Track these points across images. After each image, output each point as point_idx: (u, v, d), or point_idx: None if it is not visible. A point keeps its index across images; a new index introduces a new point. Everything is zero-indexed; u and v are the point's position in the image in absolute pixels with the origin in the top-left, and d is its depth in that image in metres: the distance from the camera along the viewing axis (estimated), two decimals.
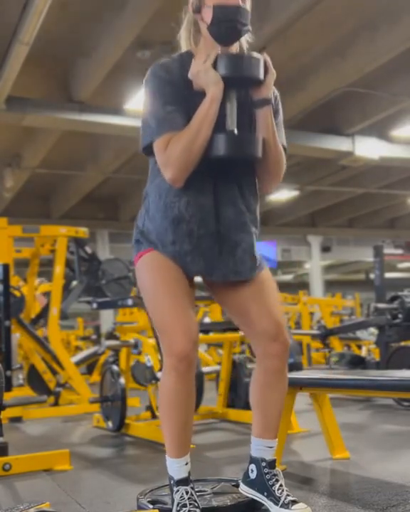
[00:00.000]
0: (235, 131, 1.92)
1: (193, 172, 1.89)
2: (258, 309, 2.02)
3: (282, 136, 2.04)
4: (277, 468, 2.04)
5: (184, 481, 1.93)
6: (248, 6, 1.94)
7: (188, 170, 1.87)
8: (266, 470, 2.02)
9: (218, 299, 2.16)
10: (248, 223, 2.01)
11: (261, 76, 1.90)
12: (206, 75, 1.87)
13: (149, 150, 1.94)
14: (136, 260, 2.04)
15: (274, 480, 2.00)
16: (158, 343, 2.03)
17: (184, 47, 2.03)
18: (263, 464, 2.02)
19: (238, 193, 1.99)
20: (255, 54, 1.92)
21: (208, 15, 1.92)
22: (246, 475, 2.08)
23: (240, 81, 1.93)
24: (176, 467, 1.94)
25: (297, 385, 2.72)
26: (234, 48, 1.98)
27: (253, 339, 2.08)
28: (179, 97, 1.89)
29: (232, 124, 1.91)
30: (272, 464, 2.03)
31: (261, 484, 2.01)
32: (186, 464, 1.95)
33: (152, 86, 1.93)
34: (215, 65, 1.88)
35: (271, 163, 1.99)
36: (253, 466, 2.06)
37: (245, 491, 2.07)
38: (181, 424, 1.94)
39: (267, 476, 2.01)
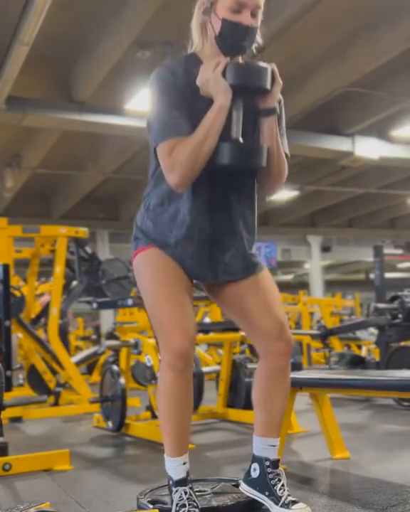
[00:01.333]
0: (241, 140, 1.92)
1: (197, 177, 1.90)
2: (259, 309, 2.02)
3: (284, 143, 2.04)
4: (280, 468, 2.04)
5: (182, 482, 1.93)
6: (258, 20, 1.95)
7: (192, 176, 1.88)
8: (269, 469, 2.02)
9: (218, 302, 2.16)
10: (240, 230, 2.02)
11: (269, 86, 1.91)
12: (215, 83, 1.86)
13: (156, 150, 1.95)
14: (134, 256, 2.05)
15: (276, 480, 2.00)
16: (158, 343, 2.02)
17: (195, 38, 2.01)
18: (267, 463, 2.02)
19: (234, 200, 2.00)
20: (264, 63, 1.93)
21: (216, 24, 1.92)
22: (248, 474, 2.08)
23: (248, 90, 1.94)
24: (175, 466, 1.94)
25: (297, 385, 2.71)
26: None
27: (255, 339, 2.08)
28: (184, 102, 1.89)
29: (237, 132, 1.92)
30: (275, 464, 2.03)
31: (263, 484, 2.01)
32: (184, 463, 1.95)
33: (158, 89, 1.92)
34: (224, 73, 1.88)
35: (274, 171, 2.00)
36: (255, 465, 2.05)
37: (246, 490, 2.07)
38: (180, 423, 1.94)
39: (270, 476, 2.01)
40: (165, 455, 1.97)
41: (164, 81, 1.91)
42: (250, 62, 1.97)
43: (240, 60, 2.01)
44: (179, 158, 1.84)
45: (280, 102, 2.02)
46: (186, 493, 1.90)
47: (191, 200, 1.94)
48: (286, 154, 2.04)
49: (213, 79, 1.87)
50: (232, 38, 1.91)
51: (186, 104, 1.89)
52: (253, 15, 1.93)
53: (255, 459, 2.07)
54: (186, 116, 1.88)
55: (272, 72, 1.93)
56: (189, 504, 1.88)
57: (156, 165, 1.99)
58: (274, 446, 2.04)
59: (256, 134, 1.99)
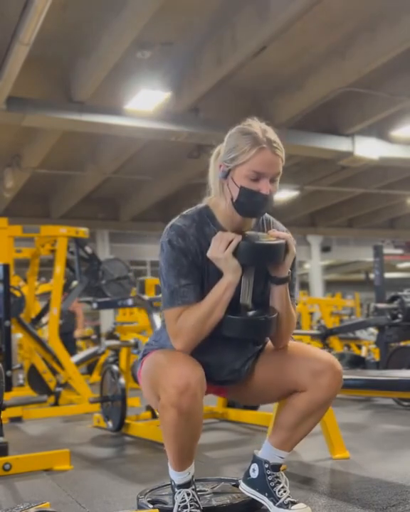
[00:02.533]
0: (250, 306, 1.92)
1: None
2: (287, 361, 1.98)
3: (294, 291, 2.03)
4: (280, 472, 2.03)
5: (185, 484, 1.91)
6: (276, 186, 1.91)
7: (196, 343, 1.88)
8: (269, 471, 2.01)
9: (239, 398, 2.21)
10: (237, 365, 2.02)
11: (281, 260, 1.90)
12: (225, 263, 1.85)
13: None
14: (143, 361, 2.03)
15: (275, 482, 1.99)
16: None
17: (213, 189, 1.99)
18: (266, 465, 2.02)
19: (248, 348, 2.03)
20: (276, 235, 1.91)
21: (234, 191, 1.89)
22: (247, 474, 2.08)
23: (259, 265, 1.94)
24: (179, 478, 1.91)
25: None
26: None
27: (302, 386, 1.94)
28: (193, 267, 1.89)
29: (247, 298, 1.92)
30: (275, 467, 2.02)
31: (262, 484, 2.01)
32: (189, 473, 1.91)
33: (167, 255, 1.90)
34: (235, 251, 1.85)
35: (282, 331, 1.99)
36: (254, 466, 2.05)
37: (246, 490, 2.06)
38: (186, 449, 1.87)
39: (269, 478, 2.00)
40: (169, 465, 1.93)
41: (175, 247, 1.88)
42: (263, 241, 1.89)
43: (253, 225, 2.00)
44: (184, 327, 1.85)
45: (293, 258, 1.99)
46: (188, 494, 1.89)
47: (203, 353, 1.93)
48: (296, 301, 2.05)
49: (223, 259, 1.85)
50: (250, 205, 1.89)
51: (196, 268, 1.89)
52: (272, 181, 1.90)
53: (255, 459, 2.06)
54: (195, 282, 1.88)
55: (286, 244, 1.90)
56: (191, 505, 1.87)
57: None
58: (283, 458, 2.03)
59: (266, 294, 1.98)
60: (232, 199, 1.91)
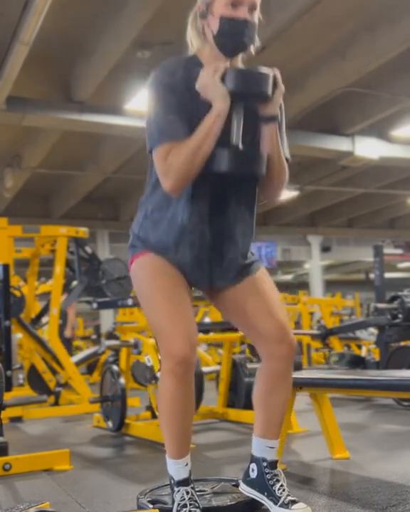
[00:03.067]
0: (240, 146, 1.90)
1: (194, 182, 1.88)
2: (259, 311, 2.00)
3: (285, 147, 2.03)
4: (278, 469, 2.04)
5: (184, 482, 1.93)
6: (255, 17, 1.92)
7: (186, 181, 1.86)
8: (267, 470, 2.01)
9: (218, 306, 2.15)
10: (237, 236, 2.00)
11: (270, 92, 1.88)
12: (214, 89, 1.84)
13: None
14: (131, 263, 2.02)
15: (275, 480, 2.00)
16: (158, 346, 2.01)
17: (194, 44, 1.99)
18: (264, 463, 2.02)
19: (234, 206, 1.99)
20: (265, 69, 1.89)
21: (214, 24, 1.90)
22: (246, 474, 2.08)
23: (248, 96, 1.91)
24: (176, 468, 1.94)
25: (297, 385, 2.71)
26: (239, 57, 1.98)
27: (257, 341, 2.06)
28: (181, 105, 1.87)
29: (237, 138, 1.89)
30: (273, 465, 2.03)
31: (261, 484, 2.01)
32: (186, 464, 1.94)
33: (155, 91, 1.89)
34: (223, 79, 1.84)
35: (274, 177, 1.99)
36: (253, 466, 2.05)
37: (245, 490, 2.07)
38: (181, 427, 1.94)
39: (268, 476, 2.00)
40: (167, 456, 1.97)
41: (163, 83, 1.88)
42: (251, 68, 1.92)
43: (240, 64, 1.99)
44: (173, 163, 1.83)
45: (280, 107, 1.99)
46: (187, 493, 1.90)
47: (190, 206, 1.92)
48: (287, 158, 2.03)
49: (212, 84, 1.84)
50: (231, 34, 1.88)
51: (184, 107, 1.87)
52: (250, 11, 1.90)
53: (253, 459, 2.07)
54: (183, 119, 1.86)
55: (274, 78, 1.89)
56: (190, 504, 1.88)
57: (154, 171, 1.97)
58: (273, 447, 2.04)
59: (256, 140, 1.96)
60: (214, 36, 1.91)
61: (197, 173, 1.86)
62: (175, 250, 1.95)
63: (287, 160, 2.02)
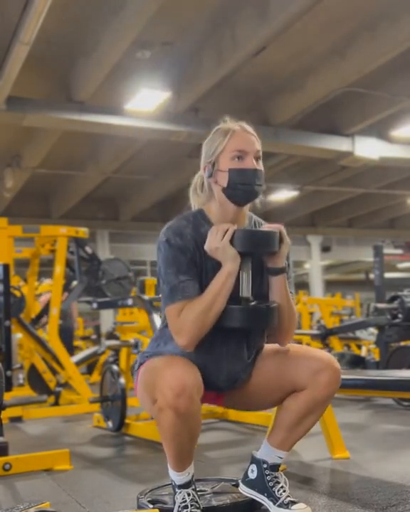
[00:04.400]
0: (251, 298, 1.94)
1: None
2: (291, 358, 1.98)
3: (290, 284, 2.04)
4: (279, 472, 2.03)
5: (186, 484, 1.91)
6: (261, 165, 1.96)
7: (200, 337, 1.88)
8: (268, 472, 2.01)
9: (238, 405, 2.15)
10: (239, 364, 2.01)
11: (277, 249, 1.93)
12: (223, 252, 1.88)
13: None
14: (139, 370, 2.02)
15: (275, 482, 1.99)
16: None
17: (194, 204, 2.05)
18: (265, 465, 2.02)
19: (245, 350, 2.02)
20: (272, 228, 1.95)
21: (223, 178, 1.94)
22: (246, 475, 2.08)
23: (256, 254, 1.96)
24: (179, 478, 1.92)
25: None
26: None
27: (299, 386, 1.96)
28: (191, 264, 1.91)
29: (247, 292, 1.94)
30: (274, 467, 2.02)
31: (261, 485, 2.01)
32: (189, 474, 1.92)
33: (165, 253, 1.92)
34: (231, 240, 1.88)
35: (284, 325, 2.00)
36: (253, 467, 2.05)
37: (245, 491, 2.06)
38: (185, 450, 1.87)
39: (268, 478, 2.00)
40: (168, 466, 1.93)
41: (173, 245, 1.91)
42: (258, 230, 1.99)
43: (247, 219, 2.04)
44: (186, 321, 1.85)
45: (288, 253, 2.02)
46: (189, 494, 1.90)
47: (198, 353, 1.92)
48: (291, 293, 2.05)
49: (221, 248, 1.88)
50: (242, 184, 1.93)
51: (194, 266, 1.91)
52: (256, 160, 1.95)
53: (253, 460, 2.06)
54: (194, 278, 1.90)
55: (280, 234, 1.94)
56: (192, 505, 1.88)
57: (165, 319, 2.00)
58: (281, 458, 2.02)
59: (265, 291, 1.99)
60: (223, 189, 1.95)
61: (209, 329, 1.88)
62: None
63: (291, 293, 2.04)
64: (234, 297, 1.91)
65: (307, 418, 1.97)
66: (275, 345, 2.06)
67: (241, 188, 1.93)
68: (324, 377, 1.92)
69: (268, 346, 2.08)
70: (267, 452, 2.03)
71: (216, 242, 1.88)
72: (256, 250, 1.95)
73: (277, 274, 1.96)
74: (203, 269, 1.93)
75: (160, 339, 2.04)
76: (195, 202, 2.06)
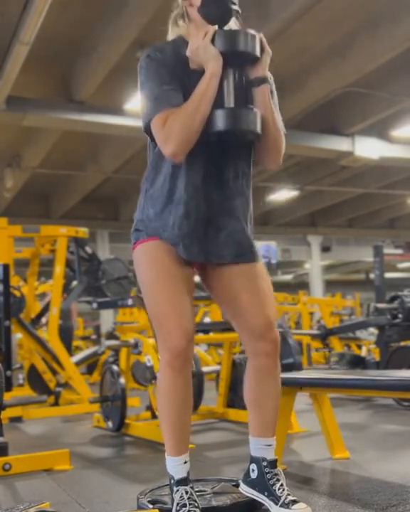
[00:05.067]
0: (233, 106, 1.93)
1: (190, 153, 1.89)
2: (248, 302, 1.99)
3: (279, 119, 2.03)
4: (278, 468, 2.04)
5: (183, 481, 1.93)
6: None
7: (188, 145, 1.86)
8: (267, 470, 2.01)
9: (208, 287, 2.10)
10: (236, 208, 1.99)
11: (258, 53, 1.93)
12: (205, 50, 1.88)
13: (149, 130, 1.94)
14: (134, 248, 2.02)
15: (275, 480, 1.99)
16: (157, 341, 2.02)
17: (170, 34, 2.05)
18: (264, 463, 2.02)
19: (231, 176, 1.99)
20: (251, 30, 1.93)
21: None
22: (247, 475, 2.08)
23: (238, 57, 1.94)
24: (175, 465, 1.94)
25: (297, 385, 2.71)
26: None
27: (241, 333, 2.06)
28: (174, 76, 1.90)
29: (230, 101, 1.93)
30: (273, 464, 2.02)
31: (262, 484, 2.01)
32: (185, 462, 1.95)
33: (147, 68, 1.93)
34: (213, 41, 1.88)
35: (270, 141, 1.99)
36: (253, 466, 2.05)
37: (246, 490, 2.06)
38: (179, 422, 1.95)
39: (268, 476, 2.00)
40: (166, 454, 1.97)
41: (153, 59, 1.92)
42: (238, 29, 1.98)
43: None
44: (173, 128, 1.84)
45: (270, 79, 2.03)
46: (187, 492, 1.90)
47: (186, 177, 1.93)
48: (283, 131, 2.03)
49: (202, 46, 1.88)
50: (216, 2, 1.92)
51: (176, 78, 1.90)
52: None
53: (252, 459, 2.07)
54: (177, 88, 1.89)
55: (261, 41, 1.95)
56: (190, 504, 1.88)
57: (152, 148, 1.99)
58: (270, 445, 2.04)
59: (249, 104, 1.98)
60: (198, 9, 1.94)
61: (197, 136, 1.87)
62: (173, 225, 1.93)
63: (283, 131, 2.03)
64: (219, 107, 1.90)
65: (262, 389, 2.02)
66: (256, 275, 2.02)
67: (215, 5, 1.93)
68: (261, 345, 1.98)
69: (250, 270, 2.01)
70: (255, 446, 2.05)
71: (197, 42, 1.89)
72: (237, 48, 1.92)
73: (260, 83, 1.96)
74: (186, 83, 1.90)
75: (147, 202, 2.01)
76: (173, 32, 2.05)
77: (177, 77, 1.90)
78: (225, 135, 1.92)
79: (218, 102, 1.90)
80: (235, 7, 1.94)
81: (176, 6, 2.04)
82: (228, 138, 1.94)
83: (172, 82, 1.88)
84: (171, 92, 1.87)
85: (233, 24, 2.00)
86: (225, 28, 1.96)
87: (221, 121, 1.88)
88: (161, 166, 1.97)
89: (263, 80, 1.96)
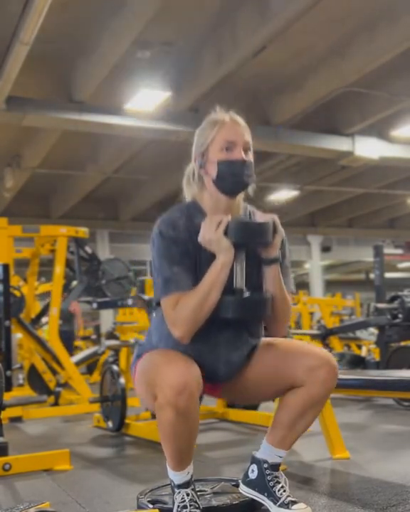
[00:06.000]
0: (244, 290, 1.94)
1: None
2: (289, 352, 1.98)
3: (289, 282, 2.05)
4: (279, 471, 2.02)
5: (185, 484, 1.91)
6: (250, 157, 1.97)
7: (195, 329, 1.88)
8: (268, 471, 2.00)
9: (233, 394, 2.12)
10: (236, 354, 2.01)
11: (270, 239, 1.94)
12: (218, 243, 1.88)
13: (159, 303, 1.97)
14: (136, 366, 2.02)
15: (275, 481, 1.99)
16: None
17: (187, 196, 2.06)
18: (265, 465, 2.01)
19: (243, 338, 2.01)
20: (265, 218, 1.96)
21: (212, 169, 1.96)
22: (246, 475, 2.07)
23: (250, 245, 1.97)
24: (178, 478, 1.91)
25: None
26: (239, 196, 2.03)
27: (296, 382, 1.95)
28: (185, 256, 1.91)
29: (241, 283, 1.95)
30: (274, 466, 2.01)
31: (261, 485, 2.00)
32: (188, 473, 1.91)
33: (159, 246, 1.93)
34: (226, 231, 1.88)
35: (279, 315, 2.01)
36: (253, 467, 2.05)
37: (245, 491, 2.06)
38: (184, 449, 1.87)
39: (269, 477, 1.99)
40: (167, 465, 1.93)
41: (166, 237, 1.92)
42: (252, 221, 2.00)
43: (241, 200, 2.04)
44: (182, 313, 1.86)
45: (284, 244, 2.04)
46: (188, 494, 1.89)
47: (193, 344, 1.92)
48: (292, 292, 2.06)
49: (215, 240, 1.88)
50: (231, 175, 1.94)
51: (188, 257, 1.92)
52: (245, 151, 1.96)
53: (254, 460, 2.06)
54: (188, 270, 1.90)
55: (274, 224, 1.95)
56: (191, 505, 1.87)
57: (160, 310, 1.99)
58: (281, 457, 2.02)
59: (259, 282, 2.00)
60: (213, 180, 1.96)
61: (204, 320, 1.88)
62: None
63: (292, 293, 2.05)
64: (229, 288, 1.92)
65: (305, 415, 1.96)
66: (274, 339, 2.06)
67: (230, 180, 1.95)
68: (321, 374, 1.91)
69: (266, 339, 2.08)
70: (267, 452, 2.02)
71: (210, 234, 1.89)
72: (250, 241, 1.95)
73: (271, 264, 1.97)
74: (198, 260, 1.93)
75: (153, 333, 2.04)
76: (188, 192, 2.07)
77: (189, 254, 1.92)
78: (235, 320, 1.96)
79: (228, 283, 1.91)
80: (250, 180, 1.96)
81: (192, 167, 2.04)
82: (237, 320, 1.98)
83: (183, 262, 1.90)
84: (181, 275, 1.89)
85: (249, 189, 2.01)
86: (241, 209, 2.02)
87: (230, 309, 1.90)
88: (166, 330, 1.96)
89: (274, 261, 1.97)
